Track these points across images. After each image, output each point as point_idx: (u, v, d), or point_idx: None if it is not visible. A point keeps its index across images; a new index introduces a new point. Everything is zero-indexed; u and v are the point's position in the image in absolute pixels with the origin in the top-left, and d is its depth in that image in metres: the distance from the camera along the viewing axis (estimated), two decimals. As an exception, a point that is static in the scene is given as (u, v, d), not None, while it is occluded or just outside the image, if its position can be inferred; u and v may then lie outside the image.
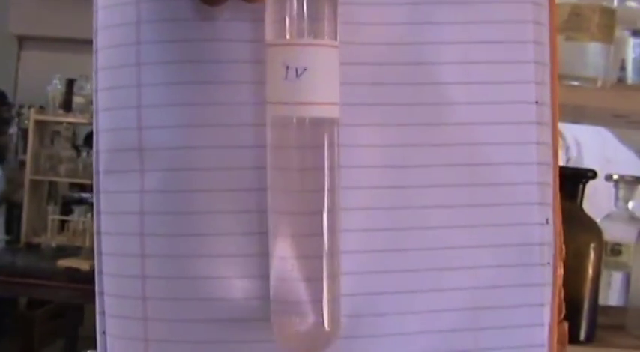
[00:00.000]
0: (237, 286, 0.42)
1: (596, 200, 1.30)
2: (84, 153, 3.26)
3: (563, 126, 1.72)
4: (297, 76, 0.40)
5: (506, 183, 0.45)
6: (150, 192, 0.43)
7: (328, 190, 0.41)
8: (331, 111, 0.41)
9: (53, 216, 3.06)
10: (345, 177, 0.42)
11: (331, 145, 0.41)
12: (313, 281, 0.41)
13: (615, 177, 1.23)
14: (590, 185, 1.07)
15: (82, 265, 2.83)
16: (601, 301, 1.12)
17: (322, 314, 0.41)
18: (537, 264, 0.45)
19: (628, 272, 1.20)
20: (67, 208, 3.27)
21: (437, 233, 0.44)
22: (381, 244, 0.44)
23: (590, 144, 1.70)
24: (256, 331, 0.42)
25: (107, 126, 0.44)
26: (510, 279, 0.45)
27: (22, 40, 4.54)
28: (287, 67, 0.40)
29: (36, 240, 3.02)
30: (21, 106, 3.95)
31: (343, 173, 0.42)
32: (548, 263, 0.45)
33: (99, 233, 0.45)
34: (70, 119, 3.12)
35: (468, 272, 0.44)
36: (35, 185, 3.09)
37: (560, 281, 0.46)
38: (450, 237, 0.44)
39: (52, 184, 3.40)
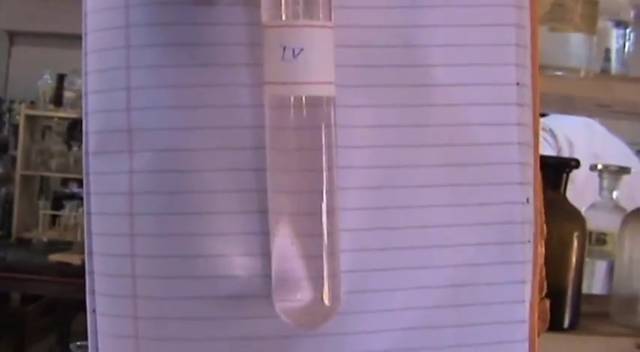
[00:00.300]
0: (234, 264, 0.43)
1: (586, 193, 1.31)
2: (75, 148, 3.26)
3: (556, 127, 1.74)
4: (294, 56, 0.41)
5: (489, 162, 0.46)
6: (139, 173, 0.44)
7: (326, 169, 0.42)
8: (328, 90, 0.42)
9: (44, 210, 3.06)
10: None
11: (329, 124, 0.42)
12: (314, 258, 0.42)
13: (600, 166, 1.24)
14: (581, 177, 1.07)
15: (74, 260, 2.82)
16: (585, 290, 1.12)
17: (322, 290, 0.42)
18: (519, 241, 0.46)
19: (612, 261, 1.21)
20: (58, 203, 3.27)
21: (422, 211, 0.45)
22: (370, 222, 0.45)
23: (581, 143, 1.72)
24: (254, 307, 0.43)
25: (96, 107, 0.45)
26: (493, 257, 0.46)
27: (13, 36, 4.52)
28: (284, 48, 0.41)
29: (27, 234, 3.02)
30: (12, 102, 3.93)
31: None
32: (529, 241, 0.47)
33: (89, 213, 0.45)
34: (61, 114, 3.12)
35: (452, 250, 0.46)
36: (26, 180, 3.08)
37: (541, 259, 0.48)
38: (435, 216, 0.45)
39: (44, 179, 3.39)
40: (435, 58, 0.46)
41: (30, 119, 3.12)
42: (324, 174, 0.42)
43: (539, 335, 0.47)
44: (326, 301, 0.42)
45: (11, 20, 4.30)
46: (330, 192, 0.42)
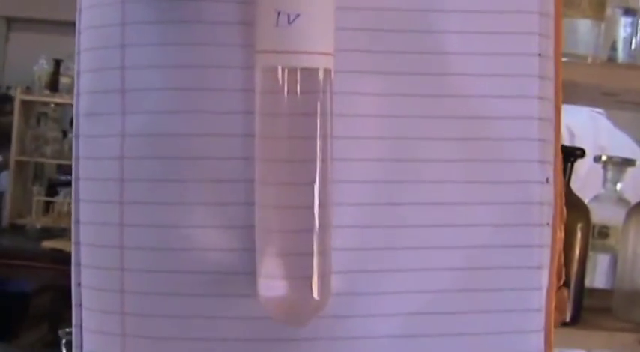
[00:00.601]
0: (221, 237, 0.41)
1: (587, 186, 1.30)
2: (70, 135, 3.23)
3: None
4: (289, 22, 0.38)
5: (505, 137, 0.44)
6: (131, 136, 0.41)
7: (320, 152, 0.39)
8: (325, 62, 0.39)
9: (38, 197, 3.04)
10: (336, 125, 0.41)
11: (325, 98, 0.39)
12: (301, 233, 0.39)
13: (604, 158, 1.22)
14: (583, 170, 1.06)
15: (67, 246, 2.80)
16: (587, 284, 1.11)
17: (311, 283, 0.39)
18: (536, 224, 0.44)
19: (615, 255, 1.19)
20: (52, 190, 3.24)
21: (432, 187, 0.43)
22: (373, 198, 0.42)
23: (585, 134, 1.69)
24: (239, 285, 0.41)
25: (89, 66, 0.43)
26: (507, 239, 0.44)
27: (11, 22, 4.51)
28: (278, 13, 0.38)
29: (20, 221, 3.00)
30: (8, 88, 3.92)
31: (334, 121, 0.41)
32: (548, 224, 0.44)
33: (77, 179, 0.43)
34: (57, 99, 3.10)
35: (463, 231, 0.43)
36: (20, 166, 3.06)
37: (560, 244, 0.45)
38: (445, 193, 0.43)
39: (38, 165, 3.37)
40: (448, 23, 0.43)
41: (25, 104, 3.10)
42: (318, 151, 0.39)
43: (555, 326, 0.45)
44: (315, 294, 0.39)
45: (9, 6, 4.30)
46: (323, 173, 0.39)
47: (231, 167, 0.41)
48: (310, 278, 0.39)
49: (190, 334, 0.41)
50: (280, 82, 0.39)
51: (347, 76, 0.41)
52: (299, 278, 0.39)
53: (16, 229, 2.97)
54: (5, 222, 2.99)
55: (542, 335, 0.44)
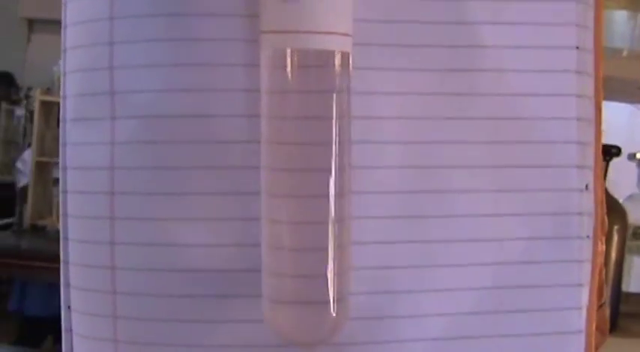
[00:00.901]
0: (220, 254, 0.37)
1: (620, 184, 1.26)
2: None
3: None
4: None
5: (540, 140, 0.39)
6: (121, 144, 0.37)
7: (337, 143, 0.34)
8: (341, 43, 0.34)
9: (58, 198, 3.03)
10: (354, 128, 0.36)
11: (341, 86, 0.35)
12: (315, 251, 0.34)
13: (639, 155, 1.18)
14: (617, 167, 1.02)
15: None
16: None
17: (327, 294, 0.34)
18: (575, 236, 0.40)
19: (652, 258, 1.16)
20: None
21: (458, 197, 0.38)
22: (394, 209, 0.38)
23: (620, 132, 1.66)
24: (240, 309, 0.37)
25: (75, 66, 0.39)
26: (543, 254, 0.39)
27: (32, 23, 4.55)
28: None
29: (41, 222, 2.99)
30: (29, 89, 3.93)
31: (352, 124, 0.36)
32: (588, 236, 0.40)
33: (65, 191, 0.39)
34: (77, 100, 3.08)
35: (493, 245, 0.39)
36: (41, 167, 3.05)
37: (601, 258, 0.41)
38: (472, 203, 0.39)
39: (58, 166, 3.37)
40: (480, 14, 0.38)
41: (45, 105, 3.09)
42: (334, 149, 0.34)
43: (596, 348, 0.41)
44: (331, 309, 0.34)
45: (31, 8, 4.33)
46: (340, 170, 0.34)
47: (231, 177, 0.37)
48: (327, 302, 0.34)
49: (183, 339, 0.37)
50: (289, 66, 0.34)
51: (361, 73, 0.36)
52: (314, 303, 0.35)
53: (36, 230, 2.97)
54: (26, 223, 2.99)
55: None
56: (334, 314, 0.34)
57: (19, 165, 3.26)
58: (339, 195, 0.34)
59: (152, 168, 0.37)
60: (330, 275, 0.34)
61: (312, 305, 0.35)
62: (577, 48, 0.39)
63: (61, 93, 0.40)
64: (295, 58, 0.34)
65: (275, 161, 0.35)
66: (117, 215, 0.37)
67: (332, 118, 0.34)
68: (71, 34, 0.39)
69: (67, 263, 0.39)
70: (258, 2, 0.35)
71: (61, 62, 0.40)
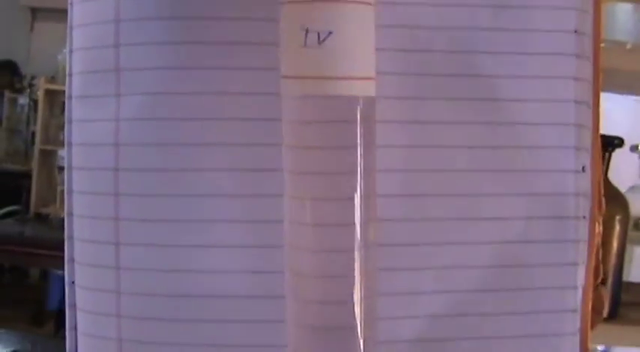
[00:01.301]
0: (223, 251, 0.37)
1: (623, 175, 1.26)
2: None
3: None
4: (319, 41, 0.32)
5: (537, 122, 0.40)
6: (126, 121, 0.38)
7: (362, 195, 0.33)
8: (366, 88, 0.33)
9: (62, 186, 3.04)
10: None
11: (370, 139, 0.33)
12: (341, 277, 0.34)
13: (640, 147, 1.18)
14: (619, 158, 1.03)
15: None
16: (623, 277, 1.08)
17: (353, 319, 0.34)
18: (572, 217, 0.40)
19: (653, 248, 1.17)
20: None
21: (457, 176, 0.39)
22: (395, 188, 0.38)
23: (623, 122, 1.65)
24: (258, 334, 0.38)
25: (81, 44, 0.39)
26: (540, 234, 0.40)
27: (35, 12, 4.54)
28: (306, 31, 0.32)
29: (45, 210, 2.99)
30: (33, 77, 3.93)
31: None
32: (584, 216, 0.40)
33: (70, 167, 0.40)
34: (81, 89, 3.08)
35: (490, 224, 0.39)
36: (45, 155, 3.06)
37: (598, 239, 0.41)
38: (472, 183, 0.39)
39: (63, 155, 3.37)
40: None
41: (49, 93, 3.09)
42: (358, 199, 0.33)
43: (592, 327, 0.41)
44: (359, 333, 0.34)
45: (33, -3, 4.32)
46: (366, 198, 0.34)
47: (242, 149, 0.37)
48: (354, 328, 0.34)
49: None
50: (312, 113, 0.33)
51: None
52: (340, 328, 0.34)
53: (40, 218, 2.97)
54: (30, 210, 3.00)
55: (577, 338, 0.41)
56: (361, 340, 0.34)
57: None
58: (365, 221, 0.34)
59: (156, 145, 0.37)
60: (357, 299, 0.34)
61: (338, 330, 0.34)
62: (575, 32, 0.40)
63: (67, 71, 0.40)
64: (316, 104, 0.33)
65: (298, 191, 0.34)
66: (121, 191, 0.38)
67: (357, 157, 0.33)
68: (78, 13, 0.39)
69: (71, 238, 0.40)
70: (278, 48, 0.34)
71: (65, 51, 0.40)
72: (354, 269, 0.34)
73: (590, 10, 0.41)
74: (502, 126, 0.39)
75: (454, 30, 0.39)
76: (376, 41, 0.34)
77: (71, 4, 0.40)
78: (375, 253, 0.34)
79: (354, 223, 0.33)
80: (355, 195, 0.33)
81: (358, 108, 0.33)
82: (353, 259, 0.33)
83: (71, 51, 0.40)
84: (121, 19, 0.38)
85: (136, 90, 0.38)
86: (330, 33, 0.32)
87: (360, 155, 0.33)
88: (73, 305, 0.40)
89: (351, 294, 0.33)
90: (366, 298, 0.34)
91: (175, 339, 0.38)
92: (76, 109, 0.39)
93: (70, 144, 0.39)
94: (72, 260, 0.40)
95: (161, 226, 0.37)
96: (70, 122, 0.40)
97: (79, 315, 0.40)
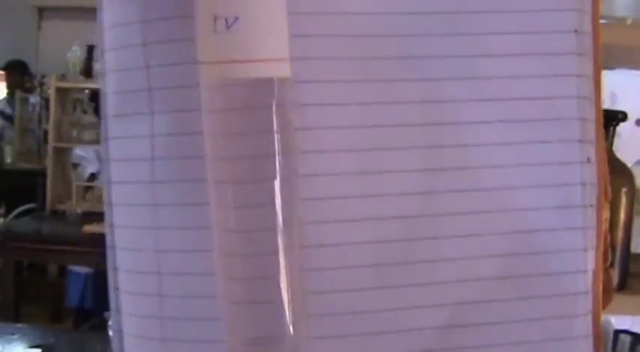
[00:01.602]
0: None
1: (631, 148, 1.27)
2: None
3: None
4: (227, 27, 0.34)
5: (544, 118, 0.42)
6: (160, 136, 0.40)
7: (281, 164, 0.36)
8: (278, 69, 0.35)
9: (77, 182, 3.05)
10: (350, 113, 0.39)
11: (284, 117, 0.35)
12: (264, 255, 0.36)
13: (646, 121, 1.19)
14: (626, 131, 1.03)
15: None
16: (632, 249, 1.09)
17: (284, 316, 0.36)
18: (579, 205, 0.42)
19: (660, 220, 1.17)
20: (90, 175, 3.26)
21: (470, 173, 0.41)
22: (412, 185, 0.41)
23: (629, 96, 1.66)
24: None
25: (114, 66, 0.42)
26: (551, 222, 0.42)
27: (42, 11, 4.54)
28: (215, 17, 0.34)
29: (61, 207, 3.01)
30: (42, 76, 3.95)
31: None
32: (591, 205, 0.43)
33: (109, 182, 0.42)
34: (91, 85, 3.10)
35: (504, 215, 0.42)
36: (58, 152, 3.07)
37: (606, 224, 0.44)
38: (484, 177, 0.41)
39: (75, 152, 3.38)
40: None
41: (60, 91, 3.10)
42: (277, 194, 0.35)
43: (603, 308, 0.43)
44: (290, 329, 0.36)
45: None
46: (285, 180, 0.36)
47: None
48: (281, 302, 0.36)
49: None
50: (227, 97, 0.35)
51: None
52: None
53: (56, 215, 2.99)
54: (47, 208, 3.01)
55: (589, 318, 0.43)
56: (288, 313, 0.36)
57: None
58: (287, 201, 0.36)
59: (187, 158, 0.39)
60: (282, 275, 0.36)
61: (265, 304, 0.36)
62: (575, 31, 0.42)
63: (102, 90, 0.42)
64: (231, 88, 0.35)
65: (220, 176, 0.36)
66: (159, 202, 0.40)
67: (274, 136, 0.35)
68: (109, 37, 0.42)
69: (112, 247, 0.42)
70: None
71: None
72: (277, 247, 0.36)
73: (588, 10, 0.43)
74: (511, 124, 0.42)
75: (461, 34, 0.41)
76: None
77: (102, 30, 0.42)
78: (297, 231, 0.36)
79: (275, 203, 0.36)
80: (275, 176, 0.35)
81: (274, 89, 0.35)
82: (276, 237, 0.36)
83: (105, 73, 0.42)
84: (148, 42, 0.40)
85: (166, 108, 0.40)
86: (237, 18, 0.34)
87: (278, 135, 0.35)
88: (115, 268, 0.42)
89: (276, 271, 0.35)
90: (291, 274, 0.36)
91: (215, 337, 0.40)
92: (112, 128, 0.42)
93: (107, 160, 0.42)
94: (115, 268, 0.42)
95: (198, 233, 0.40)
96: (107, 139, 0.42)
97: (124, 318, 0.42)
